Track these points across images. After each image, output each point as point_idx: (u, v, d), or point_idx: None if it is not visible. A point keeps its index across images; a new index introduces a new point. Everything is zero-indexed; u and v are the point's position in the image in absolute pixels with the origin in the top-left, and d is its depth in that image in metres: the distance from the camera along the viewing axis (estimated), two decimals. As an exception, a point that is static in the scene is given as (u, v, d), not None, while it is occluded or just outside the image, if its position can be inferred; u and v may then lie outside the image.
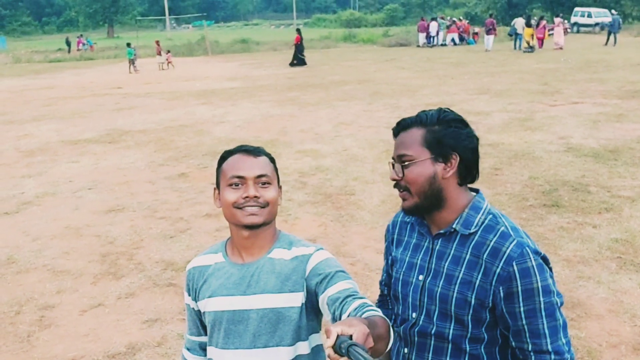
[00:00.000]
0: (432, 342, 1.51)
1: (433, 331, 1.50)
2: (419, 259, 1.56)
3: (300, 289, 1.51)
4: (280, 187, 1.60)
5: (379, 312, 1.31)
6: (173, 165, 7.82)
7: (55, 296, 4.17)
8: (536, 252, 1.42)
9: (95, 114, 12.85)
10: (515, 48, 26.29)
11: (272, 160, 1.59)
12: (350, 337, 1.08)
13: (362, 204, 5.85)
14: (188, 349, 1.71)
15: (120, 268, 4.62)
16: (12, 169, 8.00)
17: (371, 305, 1.33)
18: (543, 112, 10.40)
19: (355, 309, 1.32)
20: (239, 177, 1.51)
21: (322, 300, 1.44)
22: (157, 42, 25.91)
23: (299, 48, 23.87)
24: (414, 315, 1.54)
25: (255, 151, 1.56)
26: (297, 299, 1.50)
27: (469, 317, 1.45)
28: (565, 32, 34.60)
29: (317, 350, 1.57)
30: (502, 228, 1.45)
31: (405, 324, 1.57)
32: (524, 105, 11.09)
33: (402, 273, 1.59)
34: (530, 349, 1.41)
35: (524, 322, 1.40)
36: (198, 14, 77.76)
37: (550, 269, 1.46)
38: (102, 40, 51.57)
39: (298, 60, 23.69)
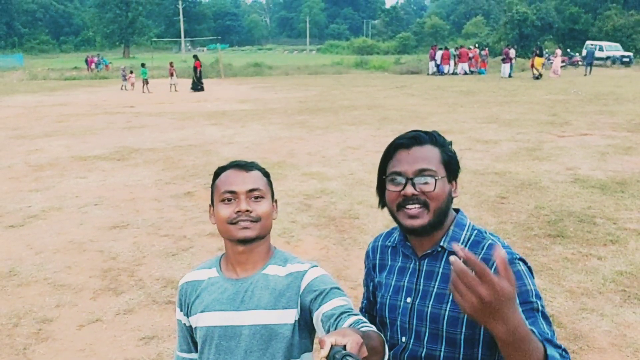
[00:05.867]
0: None
1: (423, 354, 1.47)
2: (406, 281, 1.54)
3: (294, 305, 1.50)
4: (275, 202, 1.60)
5: (374, 328, 1.30)
6: (180, 183, 7.87)
7: (54, 310, 4.16)
8: (523, 261, 1.44)
9: (106, 131, 12.99)
10: (509, 75, 28.39)
11: (266, 174, 1.60)
12: (344, 347, 1.08)
13: (365, 228, 5.83)
14: None
15: (120, 284, 4.62)
16: (20, 183, 8.08)
17: (366, 322, 1.32)
18: (551, 142, 10.39)
19: (350, 325, 1.30)
20: (230, 192, 1.52)
21: (317, 317, 1.43)
22: (171, 64, 26.26)
23: (197, 74, 24.67)
24: (403, 339, 1.52)
25: (247, 166, 1.57)
26: (290, 316, 1.49)
27: (462, 335, 1.42)
28: (577, 64, 35.39)
29: None
30: (490, 241, 1.47)
31: (394, 349, 1.54)
32: (533, 135, 11.08)
33: (388, 297, 1.57)
34: (544, 344, 1.30)
35: (526, 323, 1.32)
36: (213, 37, 78.98)
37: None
38: (117, 60, 52.39)
39: (195, 85, 24.58)
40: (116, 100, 21.25)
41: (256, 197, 1.52)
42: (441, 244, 1.49)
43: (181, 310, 1.62)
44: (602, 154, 9.19)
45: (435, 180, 1.44)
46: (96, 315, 4.08)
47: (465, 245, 1.49)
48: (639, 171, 8.01)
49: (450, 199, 1.50)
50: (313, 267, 1.55)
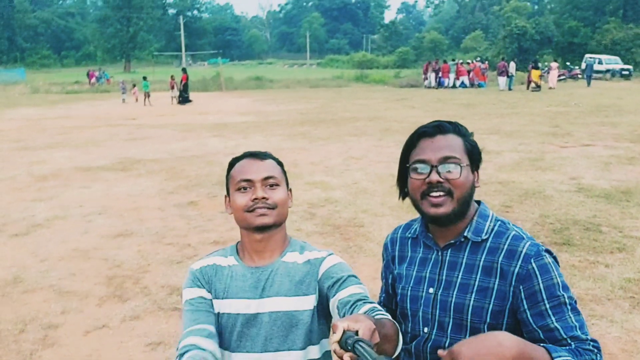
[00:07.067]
0: None
1: (447, 344, 1.46)
2: (428, 271, 1.53)
3: (313, 291, 1.51)
4: (290, 190, 1.60)
5: (388, 316, 1.30)
6: (183, 193, 7.86)
7: (60, 316, 4.14)
8: (549, 252, 1.43)
9: (108, 143, 13.02)
10: (509, 88, 28.66)
11: (280, 163, 1.61)
12: (357, 332, 1.07)
13: (370, 235, 5.82)
14: (195, 337, 1.47)
15: (126, 291, 4.60)
16: (23, 193, 8.07)
17: (381, 310, 1.33)
18: (554, 152, 10.40)
19: (365, 312, 1.31)
20: (246, 180, 1.53)
21: (333, 303, 1.44)
22: (172, 77, 26.44)
23: (184, 87, 24.77)
24: (425, 330, 1.51)
25: (261, 155, 1.58)
26: (309, 302, 1.51)
27: (486, 325, 1.42)
28: (576, 77, 35.74)
29: (328, 355, 1.56)
30: (514, 232, 1.47)
31: (416, 340, 1.53)
32: (535, 146, 11.10)
33: (409, 288, 1.56)
34: (569, 341, 1.35)
35: (552, 319, 1.35)
36: (214, 52, 79.44)
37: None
38: (119, 75, 52.61)
39: (183, 98, 24.62)
40: (118, 113, 21.31)
41: (271, 185, 1.53)
42: (465, 234, 1.49)
43: (202, 288, 1.54)
44: (605, 164, 9.19)
45: (461, 167, 1.44)
46: (102, 322, 4.05)
47: (489, 236, 1.48)
48: (643, 180, 8.01)
49: (473, 188, 1.49)
50: (330, 254, 1.57)
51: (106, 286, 4.69)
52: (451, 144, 1.47)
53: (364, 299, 1.39)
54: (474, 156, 1.50)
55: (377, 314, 1.31)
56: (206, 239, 5.85)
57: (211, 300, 1.54)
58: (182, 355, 1.39)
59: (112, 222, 6.55)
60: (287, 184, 1.60)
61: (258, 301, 1.50)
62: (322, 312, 1.53)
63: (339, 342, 1.06)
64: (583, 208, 6.69)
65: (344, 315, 1.37)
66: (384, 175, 8.57)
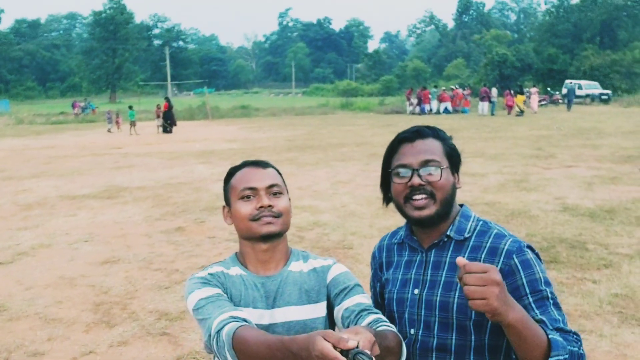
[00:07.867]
0: (434, 356, 1.48)
1: (434, 344, 1.48)
2: (413, 273, 1.56)
3: (323, 298, 1.52)
4: (289, 200, 1.62)
5: (393, 328, 1.31)
6: (170, 219, 7.81)
7: (46, 343, 4.06)
8: (531, 248, 1.47)
9: (94, 171, 12.94)
10: (491, 114, 29.24)
11: (279, 172, 1.62)
12: (357, 344, 1.08)
13: (360, 257, 5.82)
14: (229, 312, 1.37)
15: (113, 317, 4.53)
16: (8, 222, 7.97)
17: (385, 321, 1.34)
18: (538, 174, 10.54)
19: (370, 323, 1.33)
20: (250, 188, 1.51)
21: (338, 311, 1.46)
22: (158, 106, 26.51)
23: (166, 115, 24.82)
24: (412, 331, 1.52)
25: (262, 163, 1.58)
26: (321, 309, 1.51)
27: (471, 322, 1.43)
28: (557, 102, 36.46)
29: None
30: (496, 231, 1.51)
31: (404, 342, 1.55)
32: (519, 168, 11.25)
33: (395, 292, 1.58)
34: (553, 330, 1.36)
35: (537, 312, 1.37)
36: (199, 81, 79.83)
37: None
38: (104, 105, 52.59)
39: (164, 127, 24.74)
40: (103, 142, 21.25)
41: (275, 193, 1.53)
42: (448, 233, 1.52)
43: (216, 287, 1.47)
44: (588, 184, 9.33)
45: (441, 169, 1.49)
46: (89, 348, 3.98)
47: (472, 235, 1.51)
48: (627, 199, 8.14)
49: (454, 189, 1.54)
50: (335, 263, 1.59)
51: (93, 312, 4.63)
52: (431, 147, 1.51)
53: (369, 309, 1.41)
54: (454, 158, 1.55)
55: (380, 325, 1.32)
56: (194, 264, 5.81)
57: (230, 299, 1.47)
58: (220, 330, 1.30)
59: (99, 249, 6.49)
60: (287, 193, 1.61)
61: (270, 312, 1.49)
62: (331, 319, 1.53)
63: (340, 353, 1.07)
64: (568, 227, 6.77)
65: (348, 325, 1.38)
66: (372, 198, 8.61)
